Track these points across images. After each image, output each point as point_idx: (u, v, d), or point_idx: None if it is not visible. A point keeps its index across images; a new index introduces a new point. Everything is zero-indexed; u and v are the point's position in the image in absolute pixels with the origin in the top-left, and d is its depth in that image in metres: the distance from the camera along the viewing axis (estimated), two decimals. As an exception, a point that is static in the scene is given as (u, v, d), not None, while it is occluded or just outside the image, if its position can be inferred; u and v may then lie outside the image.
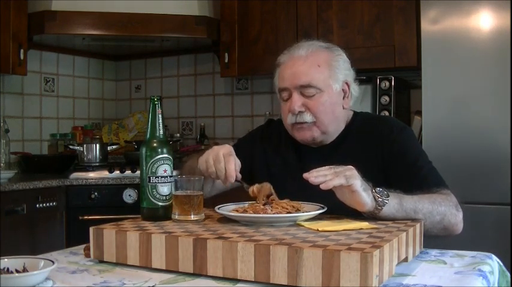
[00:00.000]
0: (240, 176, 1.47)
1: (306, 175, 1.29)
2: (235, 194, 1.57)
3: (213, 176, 1.49)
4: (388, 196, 1.33)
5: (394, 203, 1.34)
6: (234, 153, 1.49)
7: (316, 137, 1.64)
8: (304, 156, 1.69)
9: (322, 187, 1.27)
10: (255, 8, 3.33)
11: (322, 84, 1.60)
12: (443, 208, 1.43)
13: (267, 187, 1.44)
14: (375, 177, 1.40)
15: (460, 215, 1.47)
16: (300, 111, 1.60)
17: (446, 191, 1.50)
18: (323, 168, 1.31)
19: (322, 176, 1.28)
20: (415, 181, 1.53)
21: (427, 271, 1.20)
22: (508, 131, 2.37)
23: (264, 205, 1.38)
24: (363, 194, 1.30)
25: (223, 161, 1.45)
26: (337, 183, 1.27)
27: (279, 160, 1.73)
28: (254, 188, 1.44)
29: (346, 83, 1.66)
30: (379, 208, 1.32)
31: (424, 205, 1.39)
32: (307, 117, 1.60)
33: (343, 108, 1.66)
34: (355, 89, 1.69)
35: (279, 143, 1.75)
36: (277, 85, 1.68)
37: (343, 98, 1.66)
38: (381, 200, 1.31)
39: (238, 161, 1.48)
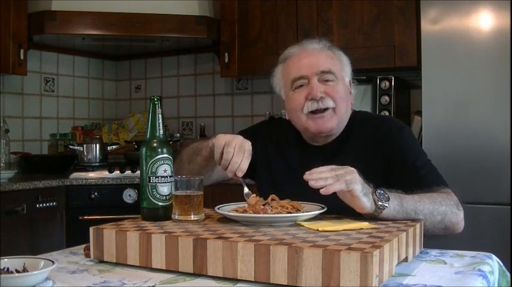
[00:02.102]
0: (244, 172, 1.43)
1: (306, 177, 1.28)
2: (235, 194, 1.57)
3: (225, 158, 1.42)
4: (388, 199, 1.32)
5: (395, 205, 1.33)
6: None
7: (334, 128, 1.63)
8: (307, 155, 1.68)
9: (322, 191, 1.26)
10: (255, 8, 3.33)
11: (338, 74, 1.64)
12: (444, 208, 1.42)
13: (259, 201, 1.41)
14: (376, 177, 1.40)
15: (461, 214, 1.46)
16: (321, 97, 1.60)
17: (447, 190, 1.50)
18: (324, 169, 1.30)
19: (323, 179, 1.27)
20: (415, 181, 1.52)
21: (427, 271, 1.20)
22: (508, 131, 2.37)
23: (264, 205, 1.38)
24: (363, 199, 1.30)
25: (244, 155, 1.42)
26: (337, 188, 1.27)
27: (281, 159, 1.73)
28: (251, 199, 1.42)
29: (350, 82, 1.71)
30: (379, 211, 1.32)
31: (424, 205, 1.39)
32: (329, 103, 1.60)
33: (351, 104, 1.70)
34: (353, 91, 1.74)
35: (281, 141, 1.75)
36: (288, 77, 1.65)
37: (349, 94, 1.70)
38: (381, 203, 1.31)
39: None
